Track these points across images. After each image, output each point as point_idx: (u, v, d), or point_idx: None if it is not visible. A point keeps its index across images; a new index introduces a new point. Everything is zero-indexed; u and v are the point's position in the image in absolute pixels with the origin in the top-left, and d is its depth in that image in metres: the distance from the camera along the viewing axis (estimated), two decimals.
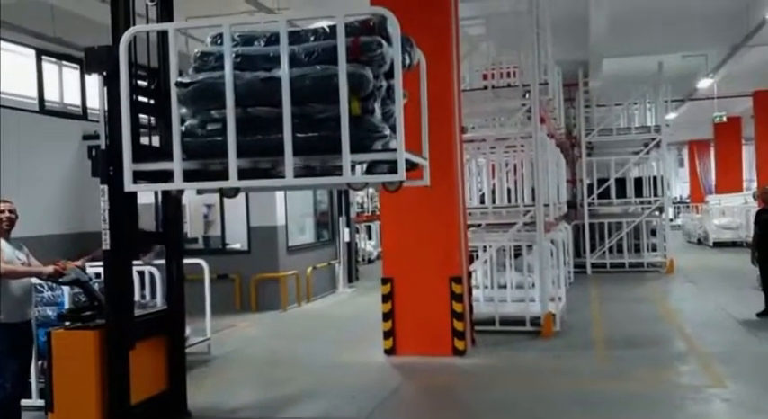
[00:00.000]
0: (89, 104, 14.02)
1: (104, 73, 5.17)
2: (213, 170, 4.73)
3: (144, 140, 5.47)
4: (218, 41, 4.64)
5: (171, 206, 5.93)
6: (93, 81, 14.23)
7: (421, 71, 5.07)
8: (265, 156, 4.50)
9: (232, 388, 7.54)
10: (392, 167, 4.34)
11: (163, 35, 5.46)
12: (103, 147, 5.29)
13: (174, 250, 6.02)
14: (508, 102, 10.41)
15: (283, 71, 4.25)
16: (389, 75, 4.43)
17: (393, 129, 4.38)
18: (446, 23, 8.53)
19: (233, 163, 4.37)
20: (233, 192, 5.11)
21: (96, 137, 12.51)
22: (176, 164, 4.52)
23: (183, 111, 4.65)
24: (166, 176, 4.76)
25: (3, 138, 11.32)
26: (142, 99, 5.46)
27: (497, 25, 10.67)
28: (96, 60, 5.20)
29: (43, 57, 13.01)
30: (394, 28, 4.30)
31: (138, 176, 4.86)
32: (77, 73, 13.88)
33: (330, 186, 5.42)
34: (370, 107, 4.35)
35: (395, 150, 4.28)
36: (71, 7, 11.70)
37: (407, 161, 4.45)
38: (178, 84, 4.52)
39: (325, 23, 4.54)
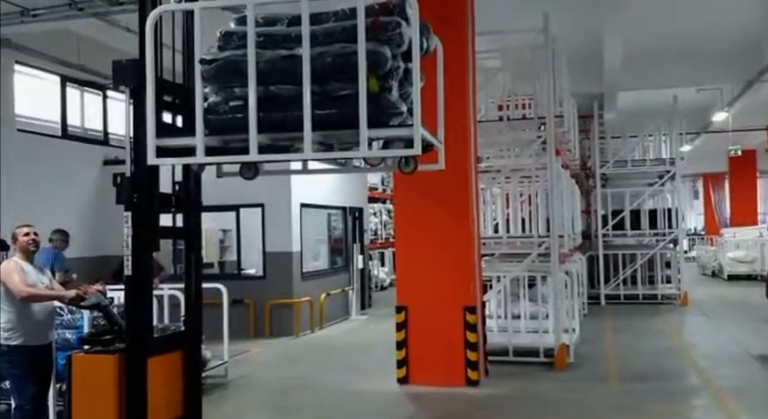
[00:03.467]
0: (110, 129, 14.30)
1: (131, 86, 5.23)
2: (234, 147, 4.83)
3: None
4: (242, 23, 4.80)
5: (191, 196, 5.88)
6: (116, 106, 14.46)
7: (438, 57, 5.18)
8: (285, 131, 4.60)
9: (247, 414, 7.58)
10: (408, 145, 4.44)
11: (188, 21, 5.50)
12: (128, 174, 5.38)
13: (193, 245, 5.92)
14: (523, 134, 10.51)
15: (304, 47, 4.38)
16: (407, 57, 4.53)
17: (410, 112, 4.49)
18: (463, 56, 8.66)
19: (253, 137, 4.48)
20: (252, 173, 5.15)
21: (117, 162, 12.80)
22: (198, 140, 4.62)
23: (207, 89, 4.76)
24: (188, 153, 4.82)
25: (26, 163, 11.55)
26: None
27: (513, 58, 10.80)
28: (123, 73, 5.26)
29: (67, 83, 13.30)
30: (413, 9, 4.43)
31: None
32: (100, 99, 14.17)
33: (347, 162, 5.41)
34: (388, 85, 4.45)
35: (411, 126, 4.38)
36: (96, 36, 11.98)
37: (424, 147, 4.51)
38: (202, 61, 4.65)
39: (345, 6, 4.68)
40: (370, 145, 4.47)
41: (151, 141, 4.78)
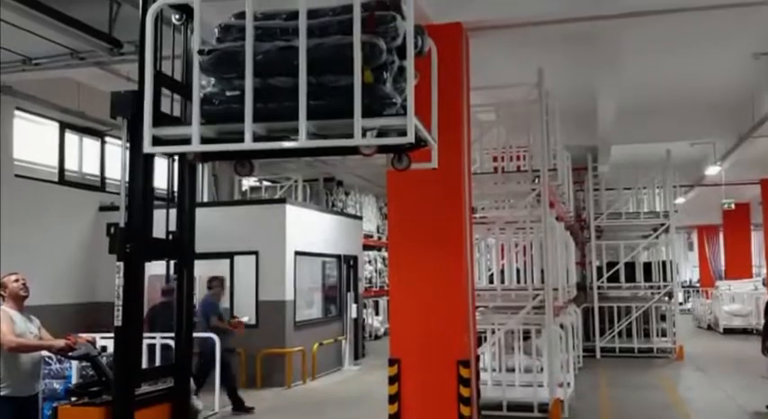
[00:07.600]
0: (107, 175, 14.36)
1: (129, 117, 5.27)
2: (229, 139, 4.84)
3: None
4: (241, 17, 4.87)
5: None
6: (113, 151, 14.52)
7: (432, 58, 5.23)
8: (280, 120, 4.64)
9: None
10: (402, 136, 4.44)
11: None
12: (122, 223, 5.39)
13: (186, 263, 5.86)
14: (518, 186, 10.57)
15: (301, 38, 4.44)
16: (401, 54, 4.59)
17: (404, 108, 4.52)
18: (458, 110, 8.75)
19: (249, 125, 4.48)
20: (247, 170, 5.14)
21: (112, 208, 12.82)
22: (195, 128, 4.64)
23: (203, 82, 4.80)
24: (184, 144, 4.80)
25: (22, 208, 11.56)
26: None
27: (508, 112, 10.94)
28: (121, 104, 5.33)
29: (66, 129, 13.40)
30: (408, 4, 4.51)
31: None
32: (98, 145, 14.28)
33: (341, 151, 5.36)
34: (383, 77, 4.50)
35: (404, 115, 4.41)
36: (96, 84, 12.11)
37: (417, 143, 4.55)
38: (200, 52, 4.71)
39: (342, 2, 4.75)
40: (364, 135, 4.52)
41: (148, 130, 4.78)
